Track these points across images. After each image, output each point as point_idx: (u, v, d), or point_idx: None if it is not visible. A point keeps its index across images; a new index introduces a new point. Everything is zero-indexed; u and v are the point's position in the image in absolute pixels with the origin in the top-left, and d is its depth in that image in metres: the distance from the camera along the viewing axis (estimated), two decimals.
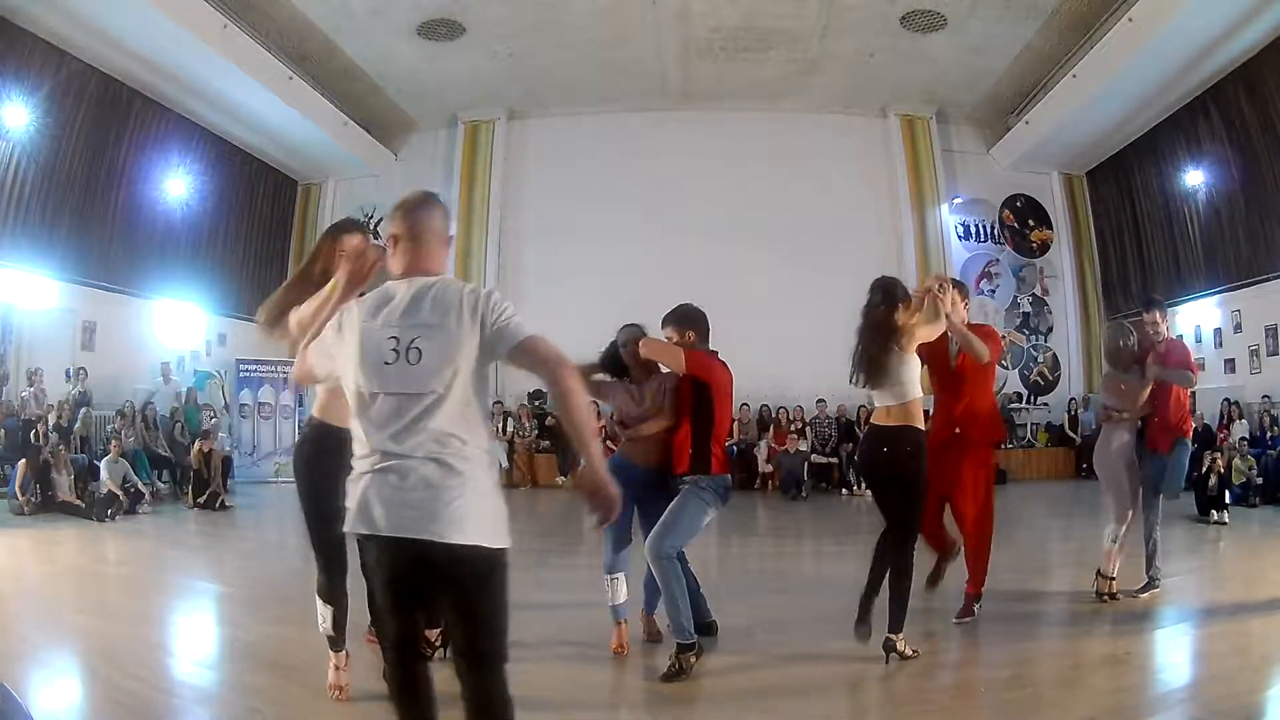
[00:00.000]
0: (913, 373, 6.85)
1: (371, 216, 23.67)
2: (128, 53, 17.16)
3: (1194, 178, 20.37)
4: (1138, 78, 18.73)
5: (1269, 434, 17.18)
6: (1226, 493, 14.64)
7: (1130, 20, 17.46)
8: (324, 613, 5.59)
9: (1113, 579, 8.14)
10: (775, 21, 19.76)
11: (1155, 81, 18.95)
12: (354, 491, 3.58)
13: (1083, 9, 18.65)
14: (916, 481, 6.82)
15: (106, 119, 18.23)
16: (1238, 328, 19.51)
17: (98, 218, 18.46)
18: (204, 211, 21.31)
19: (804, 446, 19.28)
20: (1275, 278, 18.18)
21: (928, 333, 6.89)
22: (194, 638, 7.81)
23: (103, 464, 15.11)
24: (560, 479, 20.45)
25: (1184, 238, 21.32)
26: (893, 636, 6.65)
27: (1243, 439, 16.93)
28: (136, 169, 19.31)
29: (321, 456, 5.23)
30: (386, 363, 3.57)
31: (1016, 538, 14.00)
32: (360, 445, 3.63)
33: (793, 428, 20.09)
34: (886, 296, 6.88)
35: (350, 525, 3.60)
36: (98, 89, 17.85)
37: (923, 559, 7.42)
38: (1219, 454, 15.38)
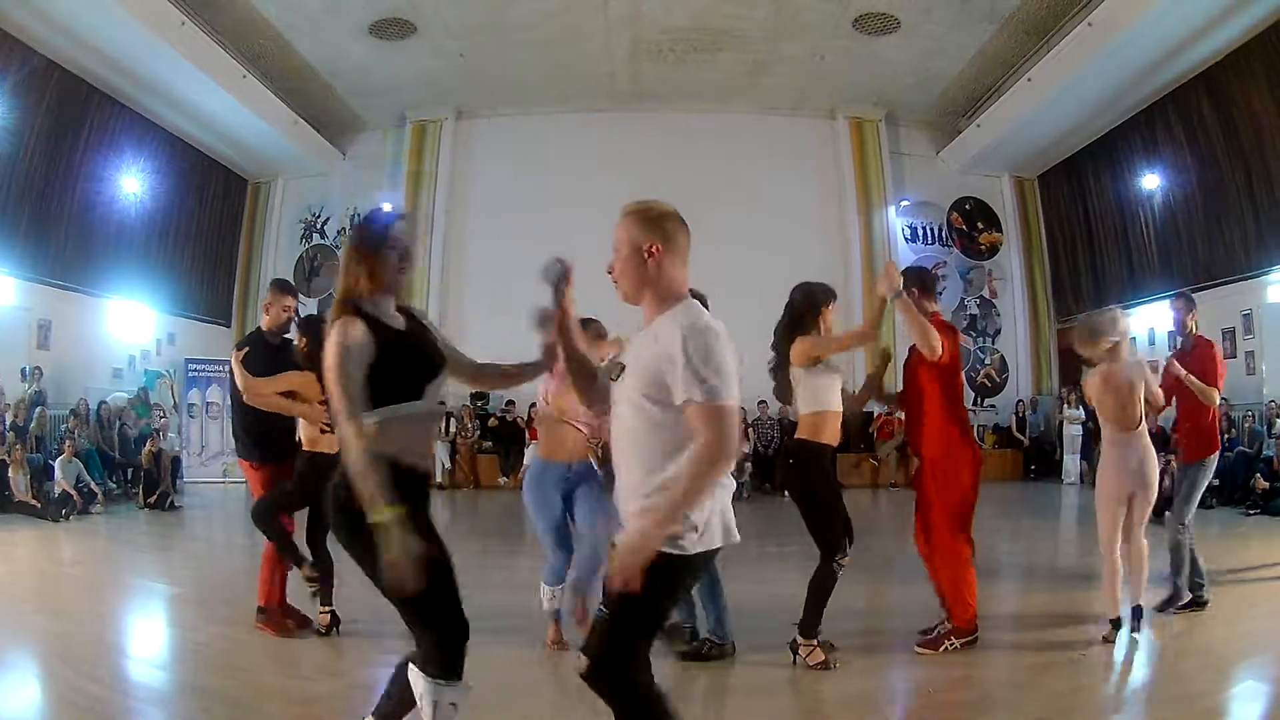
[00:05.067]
0: (815, 383, 6.99)
1: (319, 216, 23.94)
2: (88, 48, 17.37)
3: (1150, 181, 20.79)
4: (1096, 82, 19.05)
5: (1226, 436, 17.56)
6: None
7: (1090, 25, 17.77)
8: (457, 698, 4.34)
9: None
10: (726, 23, 20.11)
11: (1114, 86, 19.28)
12: (719, 507, 3.64)
13: (1040, 13, 18.91)
14: (807, 495, 7.05)
15: (65, 116, 18.44)
16: None
17: (54, 215, 18.63)
18: (156, 210, 21.48)
19: (745, 448, 19.41)
20: (1232, 281, 18.51)
21: (810, 346, 6.96)
22: (147, 638, 8.10)
23: (57, 464, 15.64)
24: (502, 480, 20.95)
25: (1139, 241, 21.76)
26: (799, 639, 6.89)
27: None
28: (92, 166, 19.48)
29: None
30: None
31: None
32: None
33: None
34: (790, 311, 7.17)
35: (724, 539, 3.68)
36: (58, 86, 18.04)
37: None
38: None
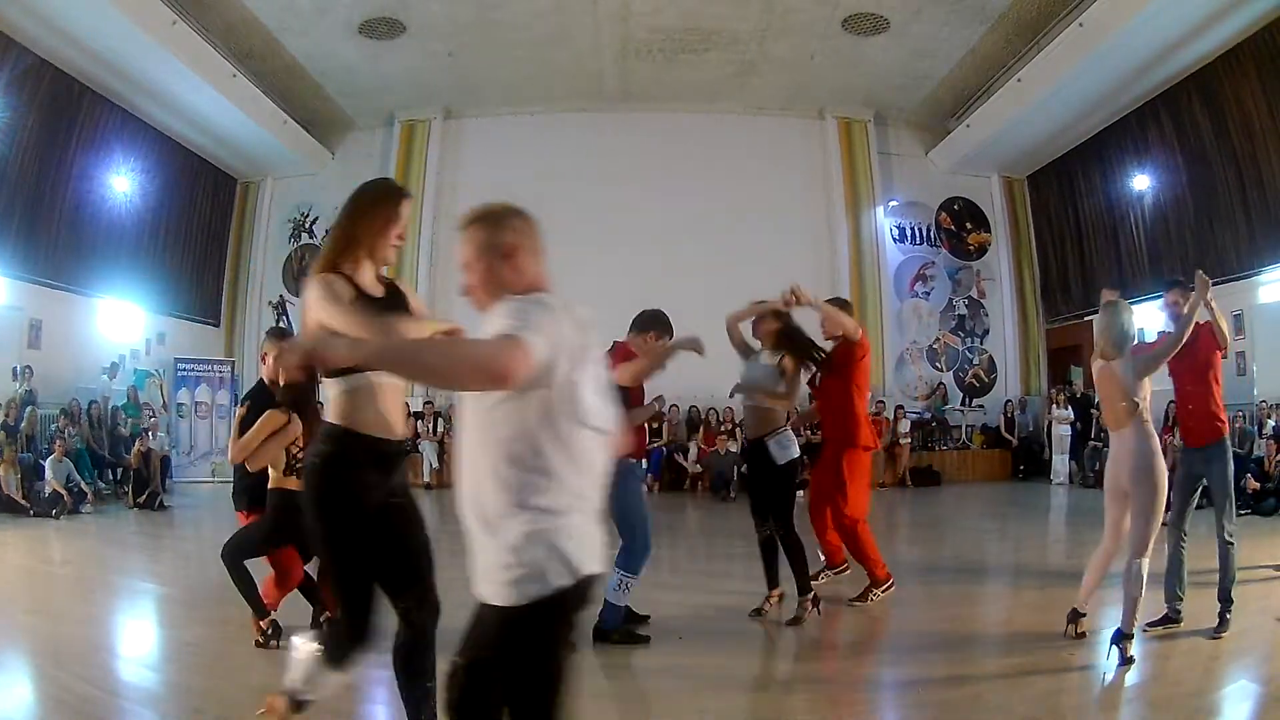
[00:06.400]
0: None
1: (307, 216, 23.91)
2: (80, 46, 17.39)
3: (1141, 182, 20.83)
4: (1086, 82, 19.03)
5: None
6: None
7: (1081, 25, 17.77)
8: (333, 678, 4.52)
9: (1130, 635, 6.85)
10: (715, 23, 20.13)
11: (1104, 86, 19.25)
12: (550, 539, 3.13)
13: (1030, 14, 18.96)
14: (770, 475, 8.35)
15: (57, 114, 18.49)
16: None
17: (45, 214, 18.65)
18: (146, 209, 21.52)
19: (734, 447, 19.43)
20: (1224, 282, 17.96)
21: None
22: (137, 638, 8.14)
23: (47, 463, 15.78)
24: None
25: (1129, 242, 21.77)
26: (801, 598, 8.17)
27: None
28: (84, 166, 19.53)
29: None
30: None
31: (953, 538, 14.53)
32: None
33: (722, 429, 20.61)
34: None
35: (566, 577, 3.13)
36: (50, 84, 18.10)
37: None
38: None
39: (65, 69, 18.23)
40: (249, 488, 7.58)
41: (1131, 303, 18.88)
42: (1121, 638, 6.72)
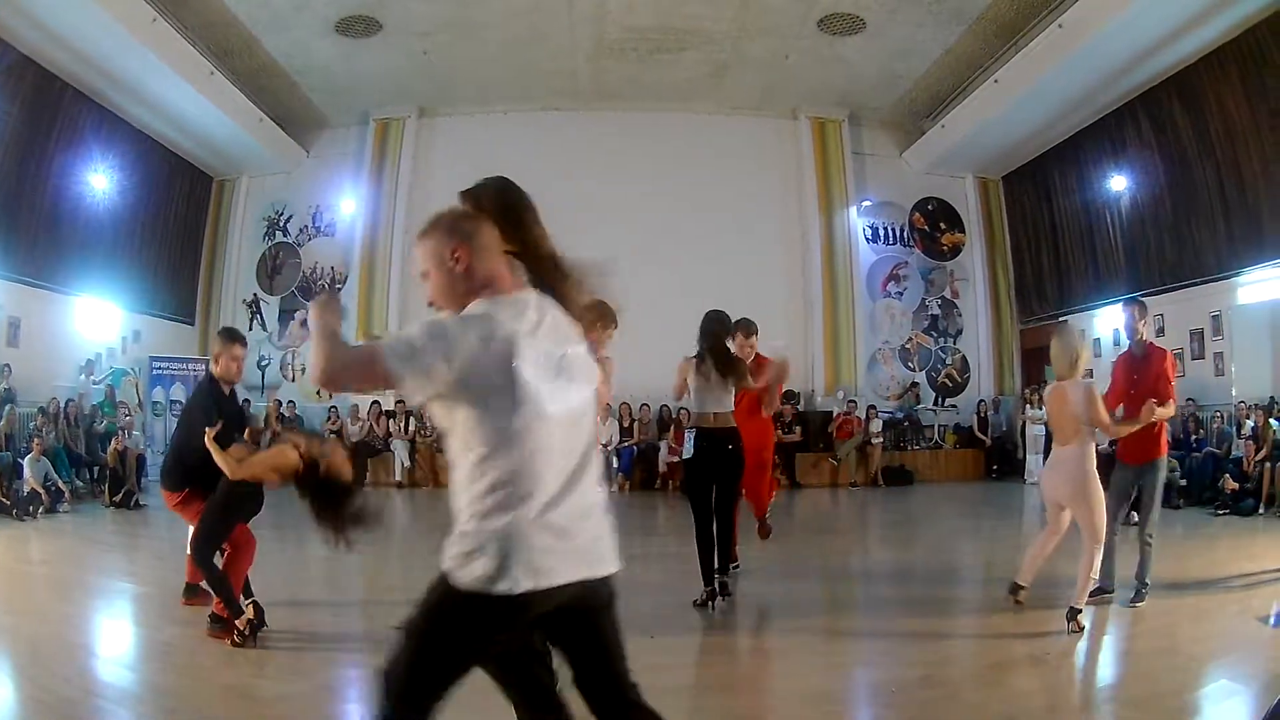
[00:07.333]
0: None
1: (281, 214, 23.88)
2: (60, 43, 17.41)
3: (1118, 183, 20.92)
4: (1064, 84, 19.15)
5: (1193, 437, 17.76)
6: None
7: (1060, 26, 17.85)
8: None
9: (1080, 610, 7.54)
10: (690, 23, 20.24)
11: (1083, 88, 19.36)
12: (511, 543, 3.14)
13: (1009, 14, 19.05)
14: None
15: (37, 112, 18.52)
16: (1160, 332, 19.27)
17: (25, 211, 18.66)
18: (123, 206, 21.48)
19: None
20: (1202, 283, 18.62)
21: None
22: (114, 638, 8.18)
23: (25, 462, 15.74)
24: None
25: (1105, 243, 21.89)
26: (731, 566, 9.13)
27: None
28: (62, 163, 19.53)
29: None
30: None
31: (926, 538, 14.61)
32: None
33: None
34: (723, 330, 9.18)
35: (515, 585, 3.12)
36: (32, 82, 18.12)
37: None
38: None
39: (46, 66, 18.22)
40: (194, 467, 7.39)
41: (1106, 303, 19.15)
42: (1074, 613, 7.44)
